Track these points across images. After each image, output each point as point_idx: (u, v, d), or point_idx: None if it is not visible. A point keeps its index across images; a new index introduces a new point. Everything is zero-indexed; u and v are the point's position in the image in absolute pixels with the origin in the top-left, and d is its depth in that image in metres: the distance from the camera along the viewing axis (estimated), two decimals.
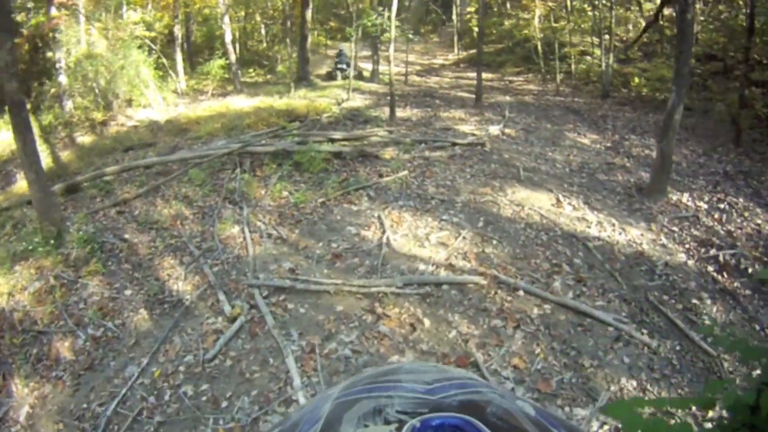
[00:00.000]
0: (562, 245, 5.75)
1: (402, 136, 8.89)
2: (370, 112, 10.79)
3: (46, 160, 7.82)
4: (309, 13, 14.76)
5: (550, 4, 13.60)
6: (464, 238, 5.72)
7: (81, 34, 11.65)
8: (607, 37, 11.99)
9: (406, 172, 7.36)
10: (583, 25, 13.63)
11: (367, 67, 15.63)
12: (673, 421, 1.19)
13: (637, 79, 11.84)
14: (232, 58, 14.14)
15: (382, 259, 5.34)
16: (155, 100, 11.88)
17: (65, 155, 9.72)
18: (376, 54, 14.65)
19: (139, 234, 6.19)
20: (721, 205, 7.10)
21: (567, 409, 3.68)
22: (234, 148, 7.84)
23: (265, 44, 19.59)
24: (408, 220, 6.20)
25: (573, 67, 13.45)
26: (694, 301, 5.12)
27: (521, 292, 4.79)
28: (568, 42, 13.61)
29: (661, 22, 12.54)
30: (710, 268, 5.77)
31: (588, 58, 13.58)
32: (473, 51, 16.97)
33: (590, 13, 13.16)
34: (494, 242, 5.69)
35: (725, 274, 5.71)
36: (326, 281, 4.95)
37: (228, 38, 14.02)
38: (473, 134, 9.29)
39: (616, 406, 1.27)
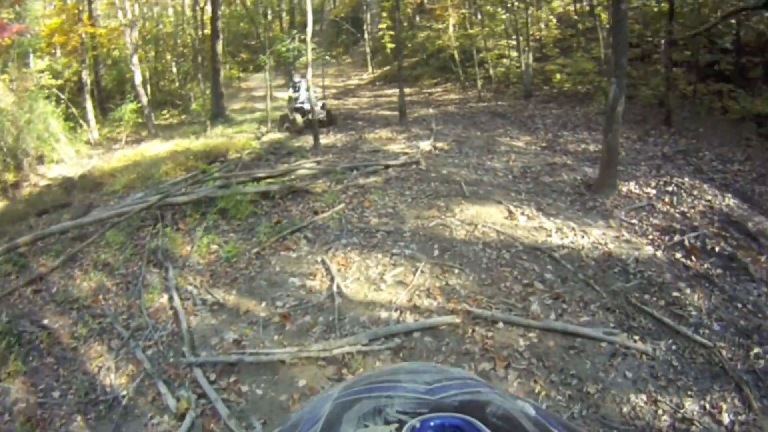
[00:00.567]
0: (527, 261, 5.57)
1: (331, 165, 8.61)
2: (292, 143, 10.50)
3: None
4: (219, 46, 14.35)
5: (463, 11, 13.94)
6: (422, 272, 5.40)
7: None
8: (522, 38, 12.38)
9: (342, 206, 7.01)
10: (497, 29, 14.05)
11: (283, 95, 15.47)
12: None
13: (558, 76, 12.29)
14: (144, 100, 13.75)
15: (337, 312, 4.89)
16: (67, 155, 11.35)
17: None
18: (292, 81, 14.51)
19: (60, 317, 5.54)
20: (669, 188, 7.31)
21: None
22: (152, 201, 7.25)
23: (177, 83, 19.11)
24: (356, 260, 5.80)
25: (491, 71, 13.80)
26: (675, 293, 5.09)
27: (500, 324, 4.50)
28: (484, 47, 13.96)
29: (575, 17, 13.20)
30: (678, 255, 5.82)
31: (505, 60, 13.97)
32: (387, 68, 17.10)
33: (503, 16, 13.58)
34: (456, 271, 5.41)
35: (694, 258, 5.78)
36: (278, 350, 4.45)
37: (138, 80, 13.65)
38: (404, 153, 9.15)
39: None
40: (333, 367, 4.24)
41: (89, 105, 14.02)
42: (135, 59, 13.82)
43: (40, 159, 11.16)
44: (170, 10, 21.44)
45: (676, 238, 6.06)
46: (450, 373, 0.63)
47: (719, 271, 5.59)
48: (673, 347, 4.38)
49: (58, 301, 5.80)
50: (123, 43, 14.87)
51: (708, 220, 6.57)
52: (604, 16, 12.05)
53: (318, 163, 8.93)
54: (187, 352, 4.60)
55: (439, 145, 9.56)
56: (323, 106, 11.40)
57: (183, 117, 15.82)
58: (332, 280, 5.40)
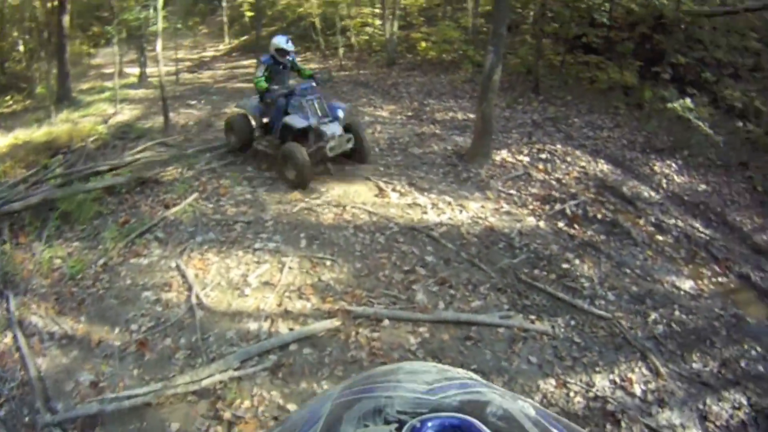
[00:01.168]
0: (405, 243, 5.18)
1: (182, 149, 7.63)
2: (141, 125, 9.18)
3: None
4: (67, 19, 12.30)
5: None
6: (290, 267, 4.76)
7: None
8: (387, 6, 12.14)
9: (195, 195, 6.13)
10: None
11: (133, 71, 14.01)
12: None
13: (423, 44, 12.21)
14: None
15: (199, 330, 4.09)
16: None
17: None
18: (143, 55, 13.40)
19: None
20: (543, 156, 7.40)
21: None
22: None
23: (24, 63, 16.26)
24: (214, 261, 4.98)
25: (354, 39, 13.44)
26: (564, 265, 5.02)
27: (386, 322, 4.03)
28: (347, 15, 13.56)
29: None
30: (561, 225, 5.83)
31: (368, 29, 13.71)
32: (245, 38, 16.06)
33: None
34: (328, 263, 4.84)
35: (577, 226, 5.82)
36: (141, 390, 3.58)
37: None
38: None
39: None
40: (205, 402, 3.49)
41: None
42: None
43: None
44: None
45: (557, 206, 6.08)
46: (450, 373, 0.64)
47: (603, 237, 5.69)
48: (572, 323, 4.27)
49: None
50: None
51: (584, 186, 6.72)
52: None
53: (167, 146, 7.86)
54: (41, 407, 3.59)
55: None
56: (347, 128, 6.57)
57: (27, 102, 13.48)
58: (190, 289, 4.55)
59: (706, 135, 8.50)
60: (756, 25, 9.55)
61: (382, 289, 4.48)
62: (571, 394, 3.60)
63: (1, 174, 7.67)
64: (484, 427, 0.47)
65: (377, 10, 13.32)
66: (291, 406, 3.43)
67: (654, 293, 4.70)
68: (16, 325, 4.44)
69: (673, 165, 8.19)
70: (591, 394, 3.60)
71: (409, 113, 9.22)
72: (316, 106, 6.26)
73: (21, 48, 16.85)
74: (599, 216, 6.01)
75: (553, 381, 3.67)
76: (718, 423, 3.60)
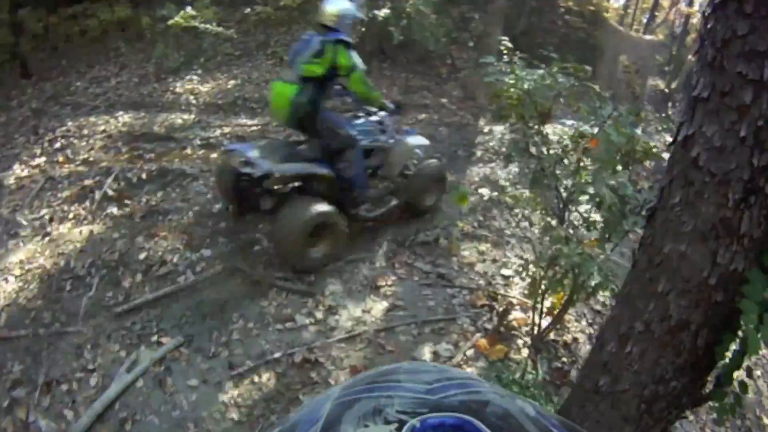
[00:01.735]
0: None
1: None
2: None
3: None
4: None
5: None
6: None
7: None
8: None
9: None
10: None
11: None
12: None
13: None
14: None
15: None
16: None
17: None
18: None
19: None
20: (58, 144, 7.22)
21: None
22: None
23: None
24: None
25: None
26: (141, 255, 5.00)
27: None
28: None
29: None
30: (114, 211, 5.64)
31: None
32: None
33: None
34: None
35: (128, 202, 5.77)
36: None
37: None
38: None
39: None
40: None
41: None
42: None
43: None
44: None
45: (97, 195, 5.84)
46: (450, 372, 0.65)
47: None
48: None
49: None
50: None
51: (114, 152, 6.76)
52: None
53: None
54: None
55: None
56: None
57: None
58: None
59: (216, 34, 9.11)
60: None
61: None
62: None
63: None
64: (484, 427, 0.47)
65: None
66: None
67: None
68: None
69: (194, 77, 8.63)
70: None
71: None
72: None
73: None
74: (145, 175, 6.09)
75: None
76: None
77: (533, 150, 3.73)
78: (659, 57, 18.91)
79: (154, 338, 4.08)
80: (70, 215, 5.63)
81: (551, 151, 3.69)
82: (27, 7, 9.46)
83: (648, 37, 20.65)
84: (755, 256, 1.68)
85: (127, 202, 5.75)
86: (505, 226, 6.10)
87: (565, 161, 3.45)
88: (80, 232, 5.26)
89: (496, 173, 7.52)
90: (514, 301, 4.80)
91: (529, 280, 4.11)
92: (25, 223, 5.50)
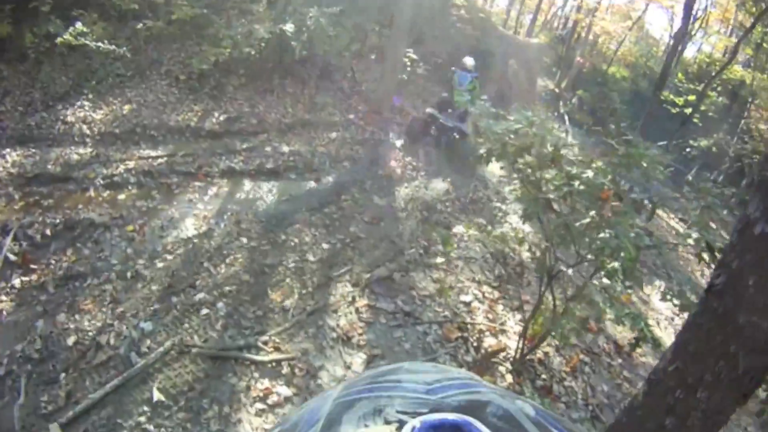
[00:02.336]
0: None
1: None
2: None
3: None
4: None
5: None
6: None
7: None
8: None
9: None
10: None
11: None
12: None
13: None
14: None
15: None
16: None
17: None
18: None
19: None
20: None
21: None
22: None
23: None
24: None
25: None
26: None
27: None
28: None
29: None
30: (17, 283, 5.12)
31: None
32: None
33: None
34: None
35: (35, 267, 5.23)
36: None
37: None
38: None
39: None
40: None
41: None
42: None
43: None
44: None
45: None
46: (450, 373, 0.67)
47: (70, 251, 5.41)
48: None
49: None
50: None
51: (4, 201, 6.06)
52: None
53: None
54: None
55: None
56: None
57: None
58: None
59: (107, 53, 8.67)
60: None
61: None
62: None
63: None
64: (484, 427, 0.48)
65: None
66: None
67: None
68: None
69: (86, 103, 8.19)
70: None
71: None
72: None
73: None
74: (49, 231, 5.46)
75: None
76: None
77: (556, 206, 3.82)
78: (546, 58, 20.27)
79: None
80: None
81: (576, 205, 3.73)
82: None
83: (534, 40, 22.06)
84: None
85: (33, 267, 5.01)
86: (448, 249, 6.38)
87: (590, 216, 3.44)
88: None
89: (422, 191, 7.79)
90: (483, 327, 5.10)
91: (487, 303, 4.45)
92: None
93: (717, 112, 14.52)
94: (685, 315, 3.14)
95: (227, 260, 5.32)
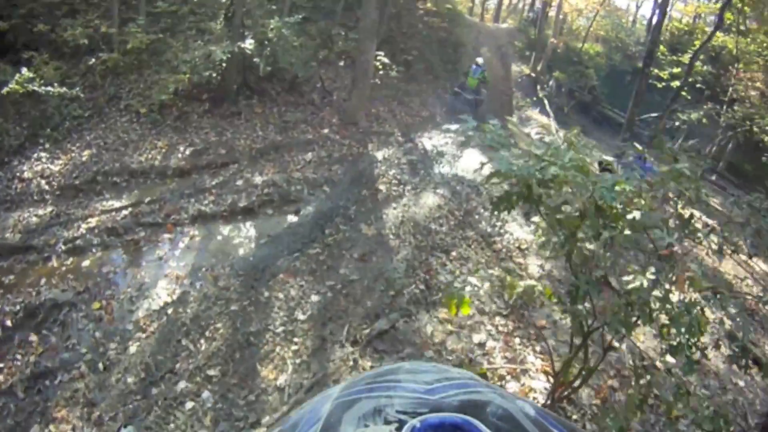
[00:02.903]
0: None
1: None
2: None
3: None
4: None
5: None
6: None
7: None
8: None
9: None
10: None
11: None
12: None
13: None
14: None
15: None
16: None
17: None
18: None
19: None
20: None
21: None
22: None
23: None
24: None
25: None
26: None
27: None
28: None
29: None
30: None
31: None
32: None
33: None
34: None
35: None
36: None
37: None
38: None
39: None
40: None
41: None
42: None
43: None
44: None
45: None
46: (450, 372, 0.65)
47: None
48: None
49: None
50: None
51: None
52: None
53: None
54: None
55: None
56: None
57: None
58: None
59: (60, 95, 8.24)
60: None
61: None
62: None
63: None
64: (484, 427, 0.49)
65: None
66: None
67: None
68: None
69: (43, 154, 7.73)
70: None
71: None
72: None
73: None
74: (9, 320, 4.97)
75: None
76: None
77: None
78: (518, 43, 19.90)
79: None
80: None
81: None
82: None
83: (503, 25, 21.65)
84: None
85: None
86: (450, 279, 5.95)
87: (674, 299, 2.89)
88: None
89: (412, 210, 7.36)
90: (503, 372, 4.65)
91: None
92: None
93: (704, 83, 14.27)
94: None
95: (207, 332, 4.75)
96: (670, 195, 2.97)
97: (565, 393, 4.06)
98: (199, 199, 7.08)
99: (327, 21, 13.66)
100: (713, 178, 12.35)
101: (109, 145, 8.19)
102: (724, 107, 11.48)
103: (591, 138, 16.42)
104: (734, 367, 3.28)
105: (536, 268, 6.60)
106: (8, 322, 4.88)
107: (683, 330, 2.55)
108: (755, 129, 12.48)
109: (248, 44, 9.59)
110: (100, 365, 4.48)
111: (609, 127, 18.17)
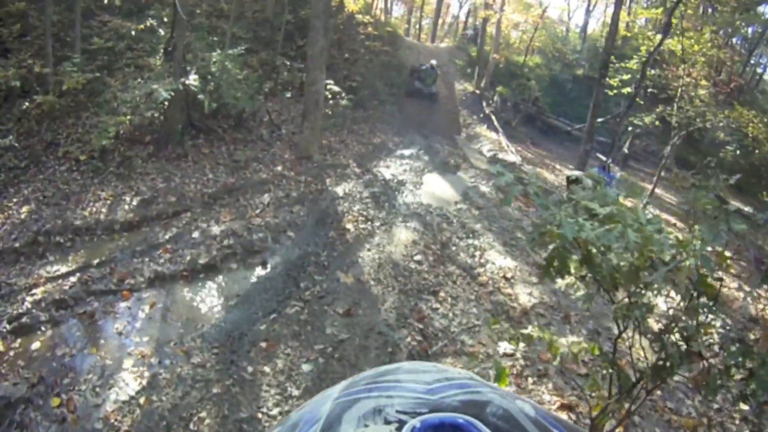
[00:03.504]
0: None
1: None
2: None
3: None
4: None
5: None
6: None
7: None
8: None
9: None
10: None
11: None
12: None
13: None
14: None
15: None
16: None
17: None
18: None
19: None
20: None
21: None
22: None
23: None
24: None
25: None
26: None
27: None
28: None
29: None
30: None
31: None
32: None
33: None
34: None
35: None
36: None
37: None
38: None
39: None
40: None
41: None
42: None
43: None
44: None
45: None
46: (450, 373, 0.66)
47: None
48: None
49: None
50: None
51: None
52: None
53: None
54: None
55: None
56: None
57: None
58: None
59: None
60: None
61: None
62: None
63: None
64: (484, 427, 0.49)
65: None
66: None
67: None
68: None
69: None
70: None
71: None
72: None
73: None
74: None
75: None
76: None
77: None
78: (459, 61, 20.07)
79: None
80: None
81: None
82: None
83: (443, 44, 21.83)
84: None
85: None
86: (446, 324, 5.73)
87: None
88: None
89: (387, 249, 7.11)
90: None
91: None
92: None
93: (654, 86, 14.76)
94: None
95: (192, 424, 4.12)
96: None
97: None
98: (153, 257, 6.55)
99: (268, 51, 13.33)
100: (662, 174, 12.72)
101: (48, 198, 7.56)
102: (675, 107, 11.83)
103: (542, 149, 16.76)
104: None
105: (526, 297, 6.43)
106: None
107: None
108: (707, 126, 12.99)
109: (192, 80, 9.18)
110: None
111: (555, 135, 18.55)
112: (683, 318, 2.50)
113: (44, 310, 5.54)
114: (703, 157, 17.54)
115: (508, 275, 6.85)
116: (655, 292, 2.47)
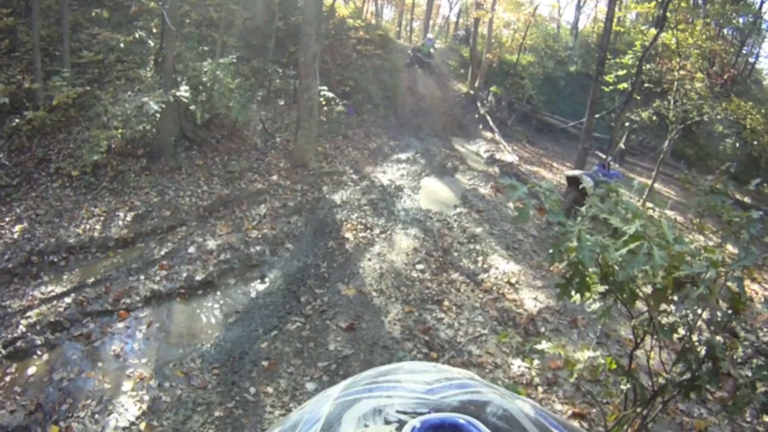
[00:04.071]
0: None
1: None
2: None
3: None
4: None
5: None
6: None
7: None
8: None
9: None
10: None
11: None
12: None
13: None
14: None
15: None
16: None
17: None
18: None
19: None
20: None
21: None
22: None
23: None
24: None
25: None
26: None
27: None
28: None
29: None
30: None
31: None
32: None
33: None
34: None
35: None
36: None
37: None
38: None
39: None
40: None
41: None
42: None
43: None
44: None
45: None
46: (450, 373, 0.66)
47: None
48: None
49: None
50: None
51: None
52: None
53: None
54: None
55: None
56: None
57: None
58: None
59: None
60: None
61: None
62: None
63: None
64: (484, 427, 0.49)
65: None
66: None
67: None
68: None
69: None
70: None
71: None
72: None
73: None
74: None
75: None
76: None
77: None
78: (451, 62, 20.01)
79: None
80: None
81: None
82: None
83: (435, 46, 21.74)
84: None
85: None
86: (449, 335, 5.58)
87: None
88: None
89: (389, 258, 6.99)
90: None
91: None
92: None
93: (650, 81, 14.68)
94: None
95: None
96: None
97: None
98: (149, 274, 6.43)
99: (259, 59, 13.23)
100: (660, 168, 12.64)
101: (41, 216, 7.43)
102: (672, 102, 11.74)
103: (538, 147, 16.65)
104: None
105: (532, 302, 6.32)
106: None
107: None
108: (705, 119, 12.96)
109: (183, 91, 9.06)
110: None
111: (551, 133, 18.42)
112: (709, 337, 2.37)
113: (39, 333, 5.41)
114: (700, 150, 17.45)
115: (512, 280, 6.75)
116: (690, 315, 2.33)
